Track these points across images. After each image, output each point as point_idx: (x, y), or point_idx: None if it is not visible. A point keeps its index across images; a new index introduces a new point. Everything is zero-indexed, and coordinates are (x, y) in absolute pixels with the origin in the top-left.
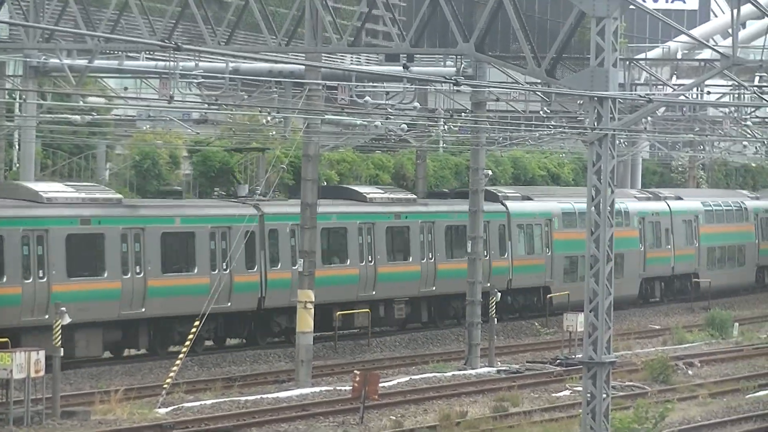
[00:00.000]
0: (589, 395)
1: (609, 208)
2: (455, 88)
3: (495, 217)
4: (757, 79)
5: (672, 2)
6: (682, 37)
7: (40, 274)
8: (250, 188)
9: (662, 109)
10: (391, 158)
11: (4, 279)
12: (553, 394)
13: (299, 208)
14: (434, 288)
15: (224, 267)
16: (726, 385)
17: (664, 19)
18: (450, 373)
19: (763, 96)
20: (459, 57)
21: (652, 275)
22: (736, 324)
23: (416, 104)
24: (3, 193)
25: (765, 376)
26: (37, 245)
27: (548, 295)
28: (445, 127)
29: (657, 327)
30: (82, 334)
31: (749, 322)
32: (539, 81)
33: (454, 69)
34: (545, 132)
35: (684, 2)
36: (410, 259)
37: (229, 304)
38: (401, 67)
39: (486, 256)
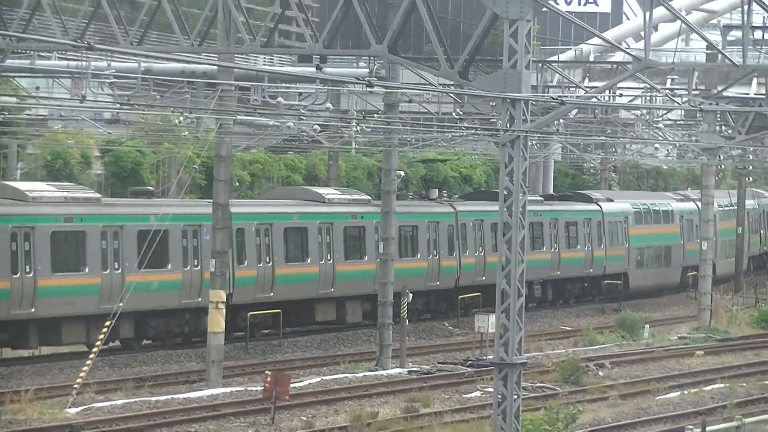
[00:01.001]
0: (500, 396)
1: (521, 209)
2: (368, 89)
3: (593, 215)
4: (668, 81)
5: (584, 5)
6: (595, 40)
7: (328, 257)
8: (440, 191)
9: (574, 112)
10: (304, 159)
11: (309, 260)
12: (464, 395)
13: (479, 206)
14: (558, 273)
15: (435, 253)
16: (636, 386)
17: (577, 21)
18: (361, 374)
19: (675, 99)
20: (372, 58)
21: (689, 265)
22: (647, 326)
23: (329, 105)
24: (290, 195)
25: (675, 378)
26: (325, 235)
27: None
28: (358, 128)
29: (568, 328)
30: (351, 305)
31: (659, 324)
32: (452, 83)
33: (367, 70)
34: (458, 134)
35: (596, 5)
36: (543, 248)
37: (438, 282)
38: (314, 68)
39: (589, 247)
